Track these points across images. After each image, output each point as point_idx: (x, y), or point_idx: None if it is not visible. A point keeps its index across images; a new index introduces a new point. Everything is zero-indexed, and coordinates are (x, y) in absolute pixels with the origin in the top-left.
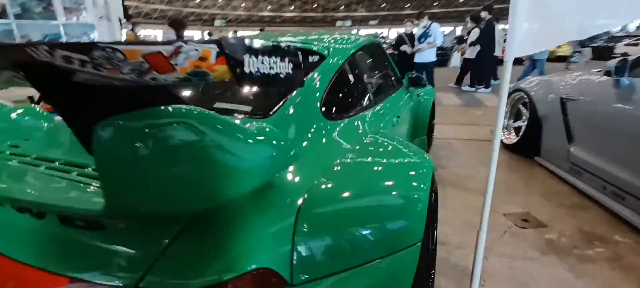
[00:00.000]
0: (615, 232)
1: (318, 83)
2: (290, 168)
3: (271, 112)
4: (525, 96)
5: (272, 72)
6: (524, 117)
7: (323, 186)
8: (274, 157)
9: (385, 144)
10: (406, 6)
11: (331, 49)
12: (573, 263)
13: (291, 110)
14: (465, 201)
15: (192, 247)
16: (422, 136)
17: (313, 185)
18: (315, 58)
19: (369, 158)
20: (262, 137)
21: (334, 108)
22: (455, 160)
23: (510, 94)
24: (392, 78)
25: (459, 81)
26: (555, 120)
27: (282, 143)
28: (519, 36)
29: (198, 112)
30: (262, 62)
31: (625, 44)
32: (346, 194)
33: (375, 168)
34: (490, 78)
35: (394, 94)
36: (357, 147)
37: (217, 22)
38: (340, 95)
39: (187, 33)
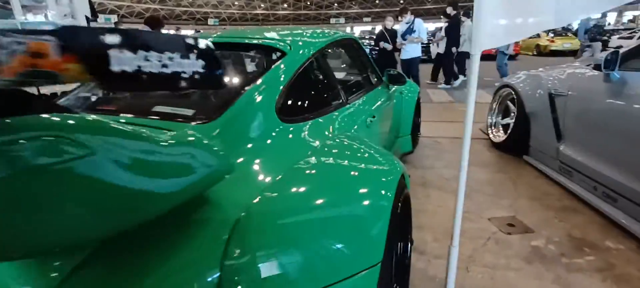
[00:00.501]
0: (607, 238)
1: (275, 81)
2: (230, 179)
3: (214, 116)
4: (513, 92)
5: (167, 71)
6: (512, 114)
7: (266, 200)
8: (196, 171)
9: (349, 148)
10: (400, 2)
11: (294, 45)
12: (560, 273)
13: (239, 113)
14: (448, 204)
15: (98, 278)
16: (406, 136)
17: (255, 199)
18: (275, 54)
19: (325, 166)
20: (177, 148)
21: (294, 109)
22: (441, 160)
23: (497, 90)
24: (369, 76)
25: (434, 77)
26: (543, 117)
27: (209, 153)
28: (487, 28)
29: (82, 122)
30: (147, 59)
31: (619, 38)
32: (291, 209)
33: (330, 177)
34: (463, 72)
35: (369, 93)
36: (315, 153)
37: (211, 21)
38: (303, 94)
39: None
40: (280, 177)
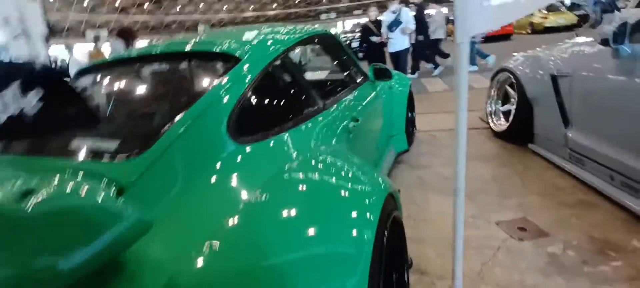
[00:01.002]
0: (633, 237)
1: (225, 95)
2: (156, 234)
3: (142, 148)
4: (511, 76)
5: None
6: (512, 100)
7: (200, 259)
8: (88, 239)
9: (320, 168)
10: None
11: (249, 49)
12: (584, 286)
13: (175, 141)
14: (450, 210)
15: None
16: (400, 134)
17: (186, 258)
18: (225, 63)
19: (286, 197)
20: (50, 212)
21: (254, 125)
22: (440, 156)
23: (494, 75)
24: (350, 74)
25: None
26: (547, 101)
27: (110, 211)
28: (475, 7)
29: None
30: None
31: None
32: (232, 270)
33: (291, 212)
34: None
35: (351, 93)
36: (276, 180)
37: (201, 28)
38: (264, 107)
39: None
40: (225, 220)
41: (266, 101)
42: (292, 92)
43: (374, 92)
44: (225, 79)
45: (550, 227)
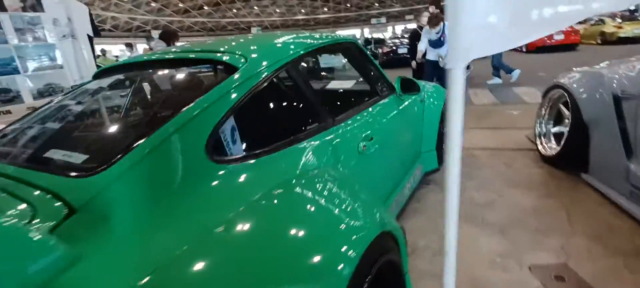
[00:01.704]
0: None
1: (210, 110)
2: (103, 266)
3: (106, 164)
4: (566, 94)
5: None
6: (566, 121)
7: None
8: None
9: (303, 195)
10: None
11: (250, 57)
12: None
13: (142, 158)
14: (478, 243)
15: None
16: (430, 151)
17: None
18: (218, 73)
19: (254, 230)
20: None
21: (236, 144)
22: (475, 178)
23: (546, 92)
24: (372, 87)
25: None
26: (607, 125)
27: (28, 245)
28: (469, 28)
29: None
30: None
31: None
32: None
33: (257, 246)
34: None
35: (370, 109)
36: (248, 208)
37: (254, 30)
38: (252, 124)
39: None
40: (183, 250)
41: (257, 118)
42: (292, 107)
43: (400, 107)
44: (213, 91)
45: (596, 280)
